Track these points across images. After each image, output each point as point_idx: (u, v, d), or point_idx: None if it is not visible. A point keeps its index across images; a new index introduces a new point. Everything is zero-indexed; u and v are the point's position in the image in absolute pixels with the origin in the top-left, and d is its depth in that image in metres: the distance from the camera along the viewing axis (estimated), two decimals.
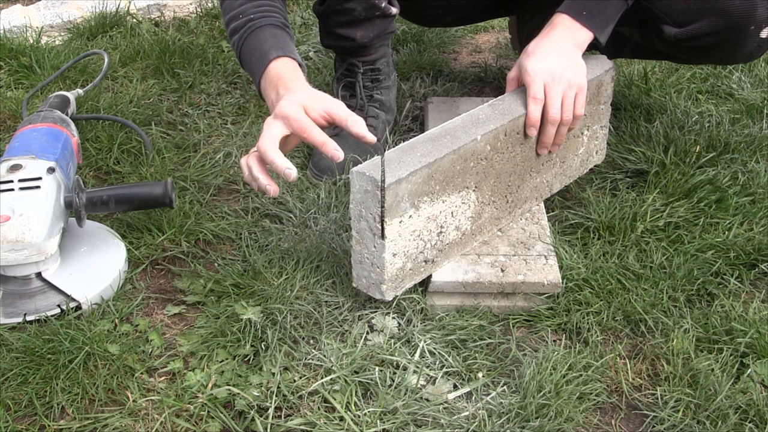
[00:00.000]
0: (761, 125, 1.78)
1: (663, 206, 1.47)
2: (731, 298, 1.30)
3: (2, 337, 1.21)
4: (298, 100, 1.20)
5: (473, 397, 1.13)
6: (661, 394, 1.14)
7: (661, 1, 1.40)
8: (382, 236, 1.15)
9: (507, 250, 1.32)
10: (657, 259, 1.35)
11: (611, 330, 1.25)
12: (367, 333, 1.22)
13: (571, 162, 1.48)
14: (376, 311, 1.26)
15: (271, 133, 1.18)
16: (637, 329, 1.25)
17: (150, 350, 1.20)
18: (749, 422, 1.08)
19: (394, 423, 1.07)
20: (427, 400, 1.11)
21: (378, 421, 1.07)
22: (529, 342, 1.23)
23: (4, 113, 1.84)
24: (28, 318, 1.25)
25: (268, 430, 1.07)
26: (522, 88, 1.34)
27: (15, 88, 1.96)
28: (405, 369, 1.15)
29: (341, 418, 1.07)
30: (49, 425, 1.08)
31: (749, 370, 1.16)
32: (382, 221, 1.14)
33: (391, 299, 1.23)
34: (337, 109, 1.20)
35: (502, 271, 1.27)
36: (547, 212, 1.46)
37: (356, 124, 1.19)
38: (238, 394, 1.11)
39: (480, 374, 1.16)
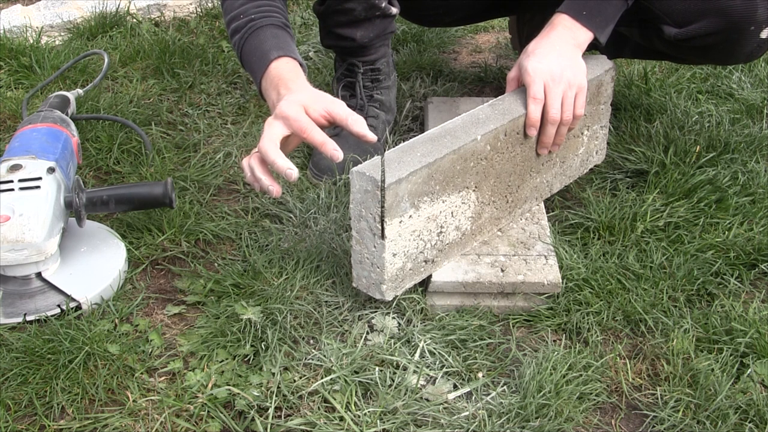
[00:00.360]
0: (761, 125, 1.78)
1: (663, 206, 1.47)
2: (731, 298, 1.30)
3: (2, 337, 1.21)
4: (298, 100, 1.20)
5: (473, 397, 1.13)
6: (661, 394, 1.14)
7: (661, 1, 1.40)
8: (382, 236, 1.15)
9: (507, 250, 1.32)
10: (657, 259, 1.35)
11: (611, 330, 1.25)
12: (367, 333, 1.22)
13: (571, 162, 1.48)
14: (376, 311, 1.26)
15: (272, 133, 1.18)
16: (637, 329, 1.25)
17: (150, 350, 1.20)
18: (749, 422, 1.08)
19: (394, 423, 1.07)
20: (427, 400, 1.11)
21: (378, 421, 1.07)
22: (529, 342, 1.23)
23: (4, 113, 1.84)
24: (28, 318, 1.25)
25: (268, 430, 1.07)
26: (522, 88, 1.34)
27: (15, 88, 1.96)
28: (405, 369, 1.15)
29: (341, 418, 1.07)
30: (49, 425, 1.08)
31: (749, 370, 1.16)
32: (382, 221, 1.14)
33: (391, 299, 1.23)
34: (338, 109, 1.20)
35: (502, 271, 1.27)
36: (547, 212, 1.46)
37: (357, 123, 1.19)
38: (238, 394, 1.11)
39: (480, 374, 1.16)
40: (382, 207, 1.13)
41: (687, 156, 1.59)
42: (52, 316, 1.25)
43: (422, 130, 1.66)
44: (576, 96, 1.32)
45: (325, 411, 1.09)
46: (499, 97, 1.34)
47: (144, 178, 1.58)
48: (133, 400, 1.11)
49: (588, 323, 1.24)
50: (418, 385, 1.13)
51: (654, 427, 1.10)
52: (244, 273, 1.32)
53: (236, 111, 1.87)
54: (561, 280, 1.27)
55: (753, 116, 1.82)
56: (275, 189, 1.19)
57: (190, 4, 2.44)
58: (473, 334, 1.22)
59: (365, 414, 1.08)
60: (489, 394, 1.13)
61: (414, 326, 1.23)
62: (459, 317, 1.25)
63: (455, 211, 1.25)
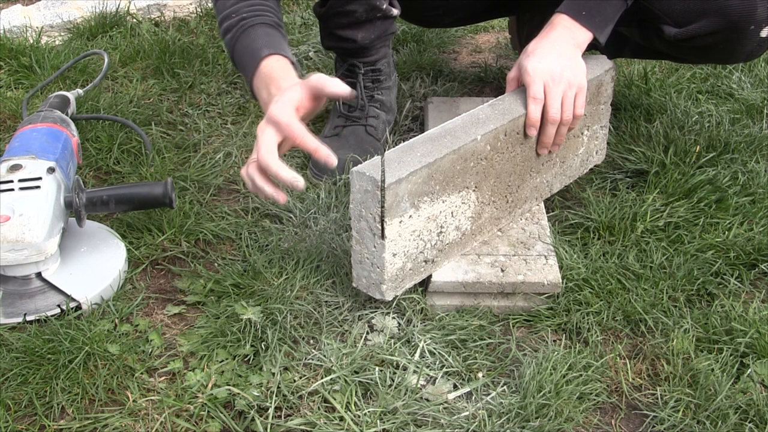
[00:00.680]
0: (761, 125, 1.78)
1: (663, 206, 1.47)
2: (731, 298, 1.30)
3: (2, 337, 1.21)
4: (289, 100, 1.19)
5: (473, 397, 1.13)
6: (661, 394, 1.14)
7: (661, 1, 1.40)
8: (382, 236, 1.15)
9: (507, 250, 1.32)
10: (657, 259, 1.35)
11: (611, 330, 1.25)
12: (367, 333, 1.22)
13: (571, 162, 1.48)
14: (376, 311, 1.26)
15: (268, 142, 1.16)
16: (637, 329, 1.25)
17: (150, 350, 1.20)
18: (749, 422, 1.08)
19: (394, 423, 1.07)
20: (427, 400, 1.11)
21: (378, 421, 1.07)
22: (529, 342, 1.23)
23: (4, 113, 1.84)
24: (28, 318, 1.25)
25: (268, 430, 1.07)
26: (522, 88, 1.34)
27: (15, 88, 1.96)
28: (405, 369, 1.15)
29: (341, 418, 1.07)
30: (49, 425, 1.08)
31: (749, 370, 1.16)
32: (382, 221, 1.14)
33: (391, 299, 1.23)
34: (320, 80, 1.19)
35: (502, 271, 1.27)
36: (547, 212, 1.46)
37: (331, 84, 1.19)
38: (238, 394, 1.11)
39: (480, 374, 1.16)
40: (382, 207, 1.13)
41: (687, 156, 1.59)
42: (52, 316, 1.25)
43: (422, 130, 1.66)
44: (576, 96, 1.32)
45: (325, 411, 1.09)
46: (499, 97, 1.34)
47: (144, 178, 1.58)
48: (133, 400, 1.11)
49: (588, 323, 1.24)
50: (418, 385, 1.13)
51: (654, 427, 1.10)
52: (244, 273, 1.32)
53: (236, 111, 1.87)
54: (561, 280, 1.27)
55: (753, 116, 1.82)
56: (281, 197, 1.19)
57: (190, 4, 2.44)
58: (473, 334, 1.22)
59: (365, 414, 1.08)
60: (489, 394, 1.13)
61: (414, 326, 1.23)
62: (459, 317, 1.25)
63: (455, 211, 1.25)
